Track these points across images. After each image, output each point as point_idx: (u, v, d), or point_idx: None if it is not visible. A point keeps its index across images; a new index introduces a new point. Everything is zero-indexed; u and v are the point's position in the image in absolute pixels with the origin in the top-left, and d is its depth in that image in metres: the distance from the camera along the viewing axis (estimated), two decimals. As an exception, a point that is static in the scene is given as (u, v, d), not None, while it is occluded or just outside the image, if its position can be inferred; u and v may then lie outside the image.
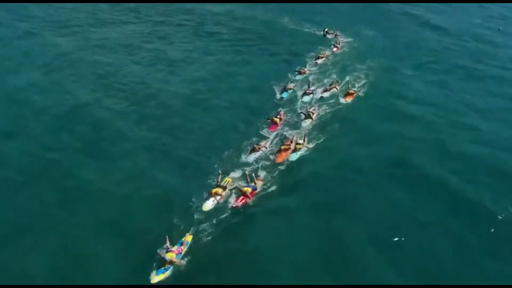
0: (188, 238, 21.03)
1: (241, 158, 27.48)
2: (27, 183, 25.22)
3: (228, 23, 57.17)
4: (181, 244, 20.63)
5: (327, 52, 45.95)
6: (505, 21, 59.80)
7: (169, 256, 19.53)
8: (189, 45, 49.30)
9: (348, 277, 19.14)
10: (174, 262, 19.62)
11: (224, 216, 22.50)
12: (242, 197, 23.36)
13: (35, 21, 56.81)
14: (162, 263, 19.57)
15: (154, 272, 19.31)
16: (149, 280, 18.95)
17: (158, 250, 19.83)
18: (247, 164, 26.86)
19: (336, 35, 51.04)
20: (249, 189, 23.54)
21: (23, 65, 42.46)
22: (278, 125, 31.19)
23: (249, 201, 23.29)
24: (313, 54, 45.25)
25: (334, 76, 39.37)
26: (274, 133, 30.54)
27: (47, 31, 52.69)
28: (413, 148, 28.41)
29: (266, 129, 30.88)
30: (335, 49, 47.07)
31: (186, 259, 20.16)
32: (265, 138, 29.72)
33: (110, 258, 20.09)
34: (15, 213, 23.16)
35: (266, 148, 28.09)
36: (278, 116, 31.92)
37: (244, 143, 28.92)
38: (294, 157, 27.35)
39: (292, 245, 20.82)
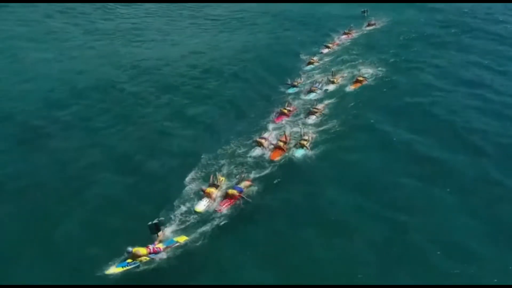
0: (180, 238, 18.75)
1: (242, 154, 25.14)
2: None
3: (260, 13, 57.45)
4: (169, 244, 18.42)
5: (336, 41, 43.73)
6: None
7: (134, 249, 17.33)
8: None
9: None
10: (142, 258, 17.40)
11: (211, 219, 20.26)
12: (226, 199, 21.10)
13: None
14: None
15: (115, 264, 17.17)
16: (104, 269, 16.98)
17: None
18: (247, 160, 24.58)
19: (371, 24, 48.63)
20: (235, 192, 21.25)
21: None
22: (285, 117, 29.07)
23: (235, 204, 21.05)
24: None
25: (339, 66, 36.98)
26: (276, 125, 28.28)
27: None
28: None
29: (272, 119, 28.87)
30: (344, 36, 44.81)
31: (160, 260, 17.99)
32: (267, 130, 27.47)
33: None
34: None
35: (268, 141, 25.77)
36: (288, 108, 29.76)
37: (245, 136, 26.79)
38: (299, 153, 24.97)
39: (279, 253, 18.48)
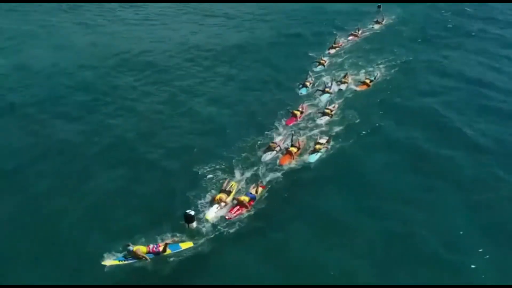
0: (185, 244, 18.88)
1: (254, 158, 24.89)
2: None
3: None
4: (174, 249, 18.58)
5: (343, 41, 43.89)
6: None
7: (135, 248, 17.74)
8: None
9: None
10: (138, 256, 17.70)
11: (218, 224, 20.20)
12: (238, 207, 20.75)
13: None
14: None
15: (114, 257, 17.75)
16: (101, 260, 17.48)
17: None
18: (259, 165, 24.24)
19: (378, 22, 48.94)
20: (247, 199, 20.89)
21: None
22: (297, 119, 28.84)
23: (245, 211, 20.64)
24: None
25: (348, 66, 37.24)
26: (289, 128, 27.99)
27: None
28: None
29: (283, 122, 28.69)
30: (351, 37, 44.90)
31: (160, 262, 18.21)
32: (278, 133, 27.36)
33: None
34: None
35: (280, 147, 25.47)
36: (300, 109, 29.63)
37: (255, 138, 26.63)
38: (313, 158, 24.65)
39: (279, 253, 18.65)
